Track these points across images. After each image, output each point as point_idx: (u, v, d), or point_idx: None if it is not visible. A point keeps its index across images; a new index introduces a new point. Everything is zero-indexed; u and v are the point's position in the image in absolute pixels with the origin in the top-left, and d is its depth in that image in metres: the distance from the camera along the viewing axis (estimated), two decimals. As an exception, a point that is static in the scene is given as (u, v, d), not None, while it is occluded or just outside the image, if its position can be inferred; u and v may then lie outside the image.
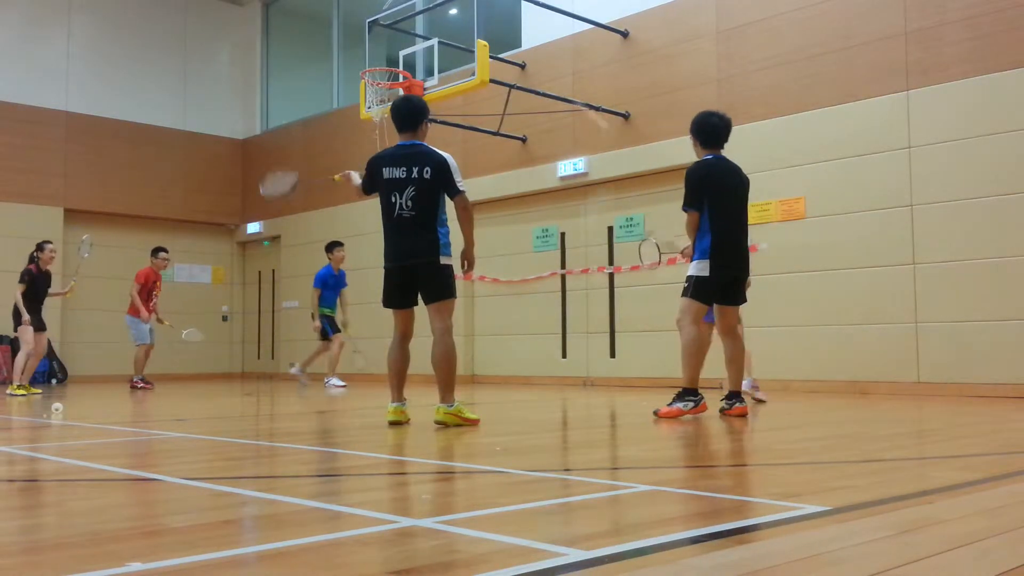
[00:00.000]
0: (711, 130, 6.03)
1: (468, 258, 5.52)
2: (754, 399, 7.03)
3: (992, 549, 2.03)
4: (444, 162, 5.33)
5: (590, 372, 11.15)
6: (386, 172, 5.35)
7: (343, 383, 11.27)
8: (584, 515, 2.61)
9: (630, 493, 2.91)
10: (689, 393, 5.75)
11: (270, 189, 6.33)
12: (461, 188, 5.34)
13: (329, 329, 11.37)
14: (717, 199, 5.81)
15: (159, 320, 11.57)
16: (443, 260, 5.34)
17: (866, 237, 8.60)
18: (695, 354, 5.77)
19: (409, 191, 5.28)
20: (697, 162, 5.98)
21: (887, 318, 8.44)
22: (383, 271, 5.49)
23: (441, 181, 5.32)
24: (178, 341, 15.36)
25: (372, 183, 5.52)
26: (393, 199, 5.32)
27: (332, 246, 11.53)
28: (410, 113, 5.50)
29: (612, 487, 3.09)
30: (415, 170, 5.29)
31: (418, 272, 5.34)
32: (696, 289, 5.76)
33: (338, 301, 11.47)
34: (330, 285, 11.39)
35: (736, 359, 5.97)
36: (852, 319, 8.67)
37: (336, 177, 6.05)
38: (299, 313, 14.49)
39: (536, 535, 2.20)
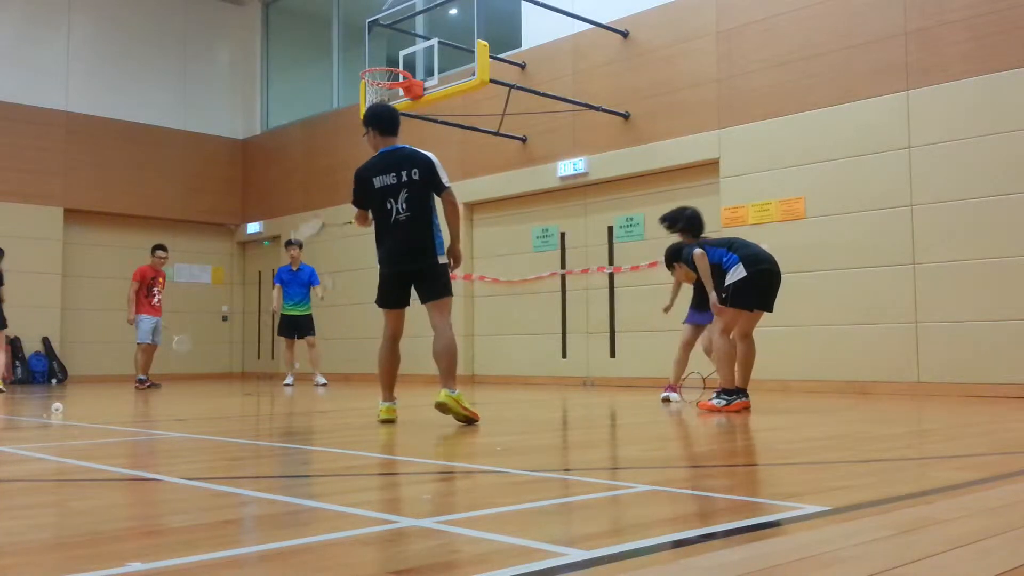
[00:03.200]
0: (700, 223, 6.97)
1: (455, 254, 5.56)
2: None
3: (992, 549, 2.03)
4: (429, 161, 5.46)
5: (590, 372, 11.15)
6: (377, 181, 5.47)
7: (289, 382, 11.79)
8: (584, 515, 2.61)
9: (630, 493, 2.91)
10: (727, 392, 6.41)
11: (302, 233, 6.59)
12: (446, 184, 5.46)
13: (283, 330, 11.90)
14: (730, 243, 6.52)
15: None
16: (440, 260, 5.45)
17: (866, 237, 8.60)
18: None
19: (403, 195, 5.40)
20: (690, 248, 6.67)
21: (887, 318, 8.44)
22: (379, 275, 5.55)
23: (428, 180, 5.43)
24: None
25: (365, 199, 5.58)
26: (388, 205, 5.43)
27: (286, 244, 12.13)
28: (396, 117, 5.70)
29: (612, 487, 3.09)
30: (404, 173, 5.42)
31: (416, 274, 5.44)
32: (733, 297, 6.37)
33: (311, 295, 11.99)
34: (287, 281, 11.85)
35: (746, 360, 6.54)
36: (852, 319, 8.67)
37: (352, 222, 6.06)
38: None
39: (536, 535, 2.20)
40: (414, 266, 5.42)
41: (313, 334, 11.92)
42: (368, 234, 13.91)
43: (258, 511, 2.71)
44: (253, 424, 6.27)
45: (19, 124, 14.09)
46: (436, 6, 12.53)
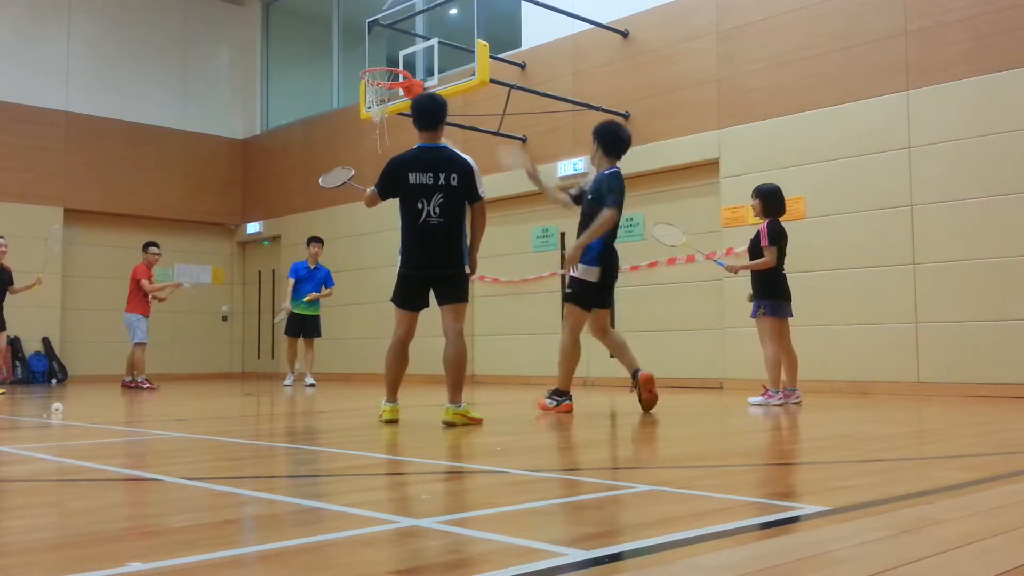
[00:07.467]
0: (619, 143, 6.35)
1: (471, 260, 5.55)
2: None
3: (992, 549, 2.03)
4: (470, 168, 5.38)
5: (590, 372, 11.14)
6: (412, 177, 5.32)
7: (288, 382, 11.83)
8: (584, 515, 2.61)
9: (630, 493, 2.91)
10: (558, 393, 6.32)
11: (329, 181, 6.33)
12: (482, 194, 5.43)
13: (289, 328, 11.77)
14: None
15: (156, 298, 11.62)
16: (466, 268, 5.45)
17: (866, 237, 8.60)
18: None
19: (437, 198, 5.28)
20: (618, 170, 6.34)
21: (887, 318, 8.44)
22: (399, 275, 5.50)
23: (466, 188, 5.35)
24: (178, 341, 15.43)
25: (392, 189, 5.43)
26: (420, 205, 5.30)
27: (308, 241, 11.93)
28: (433, 111, 5.47)
29: (612, 487, 3.09)
30: (442, 176, 5.30)
31: (438, 279, 5.40)
32: (582, 295, 6.25)
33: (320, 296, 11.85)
34: (303, 278, 11.69)
35: (622, 350, 6.52)
36: (852, 319, 8.67)
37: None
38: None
39: (536, 535, 2.20)
40: (438, 271, 5.38)
41: (319, 335, 11.84)
42: (368, 234, 13.85)
43: (258, 511, 2.71)
44: (253, 424, 6.27)
45: (19, 124, 14.09)
46: (436, 6, 12.53)
